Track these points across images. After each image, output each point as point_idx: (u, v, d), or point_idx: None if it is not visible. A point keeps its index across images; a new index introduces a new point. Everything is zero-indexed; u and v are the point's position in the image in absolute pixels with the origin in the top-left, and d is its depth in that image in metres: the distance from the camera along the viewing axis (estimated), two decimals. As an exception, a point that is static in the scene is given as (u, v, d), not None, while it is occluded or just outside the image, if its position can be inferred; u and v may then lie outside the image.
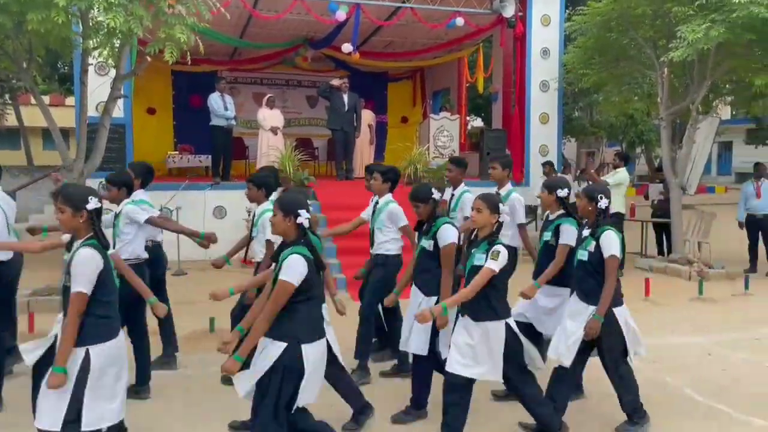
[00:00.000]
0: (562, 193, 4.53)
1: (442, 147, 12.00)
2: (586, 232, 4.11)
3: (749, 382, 5.07)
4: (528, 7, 11.91)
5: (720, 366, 5.46)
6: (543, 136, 12.14)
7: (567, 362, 3.98)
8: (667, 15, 9.03)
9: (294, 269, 3.11)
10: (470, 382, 3.69)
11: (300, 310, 3.17)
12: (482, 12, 11.53)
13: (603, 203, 4.03)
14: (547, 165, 11.19)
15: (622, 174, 9.72)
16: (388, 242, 5.10)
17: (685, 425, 4.30)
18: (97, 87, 8.60)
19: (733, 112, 23.75)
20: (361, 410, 4.08)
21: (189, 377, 5.08)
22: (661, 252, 10.69)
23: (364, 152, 12.28)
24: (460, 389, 3.68)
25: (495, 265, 3.57)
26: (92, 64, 7.93)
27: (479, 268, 3.62)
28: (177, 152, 13.18)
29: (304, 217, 3.21)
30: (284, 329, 3.15)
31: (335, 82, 11.30)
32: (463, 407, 3.70)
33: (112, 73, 7.74)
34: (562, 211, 4.56)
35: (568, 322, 4.05)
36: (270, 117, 11.35)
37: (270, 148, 10.98)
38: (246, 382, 3.24)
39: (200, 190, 10.22)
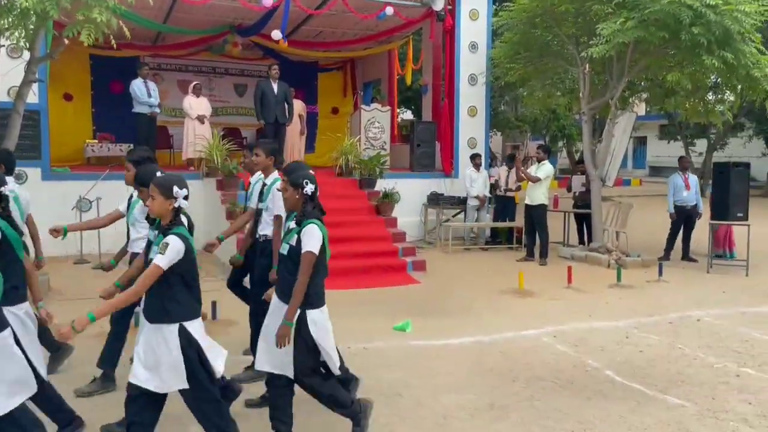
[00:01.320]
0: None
1: (373, 138, 12.04)
2: (292, 224, 3.62)
3: (664, 363, 5.37)
4: (457, 1, 12.07)
5: (637, 348, 5.75)
6: (471, 129, 12.36)
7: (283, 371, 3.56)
8: (588, 13, 9.39)
9: None
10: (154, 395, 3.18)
11: None
12: (412, 4, 11.61)
13: (309, 188, 3.53)
14: (477, 157, 11.42)
15: (548, 167, 10.08)
16: (141, 239, 4.56)
17: (606, 404, 4.50)
18: (10, 70, 8.12)
19: (648, 109, 24.94)
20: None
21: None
22: (582, 241, 11.12)
23: (294, 143, 12.13)
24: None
25: (161, 261, 3.04)
26: (4, 46, 7.49)
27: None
28: (96, 141, 12.61)
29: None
30: None
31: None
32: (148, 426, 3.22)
33: (26, 55, 7.29)
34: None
35: (267, 323, 3.66)
36: (197, 105, 11.05)
37: (197, 137, 10.70)
38: None
39: (122, 180, 9.80)
